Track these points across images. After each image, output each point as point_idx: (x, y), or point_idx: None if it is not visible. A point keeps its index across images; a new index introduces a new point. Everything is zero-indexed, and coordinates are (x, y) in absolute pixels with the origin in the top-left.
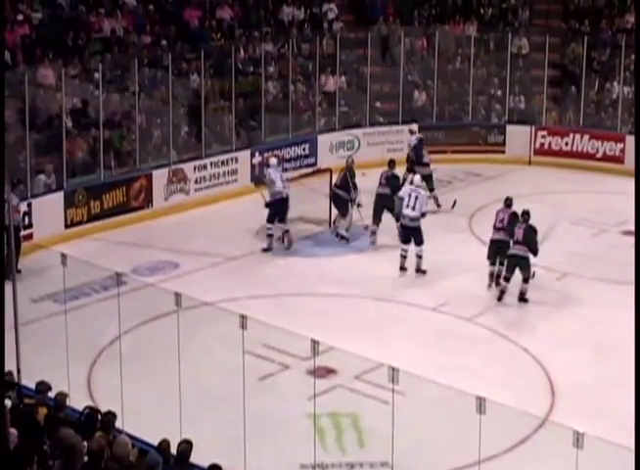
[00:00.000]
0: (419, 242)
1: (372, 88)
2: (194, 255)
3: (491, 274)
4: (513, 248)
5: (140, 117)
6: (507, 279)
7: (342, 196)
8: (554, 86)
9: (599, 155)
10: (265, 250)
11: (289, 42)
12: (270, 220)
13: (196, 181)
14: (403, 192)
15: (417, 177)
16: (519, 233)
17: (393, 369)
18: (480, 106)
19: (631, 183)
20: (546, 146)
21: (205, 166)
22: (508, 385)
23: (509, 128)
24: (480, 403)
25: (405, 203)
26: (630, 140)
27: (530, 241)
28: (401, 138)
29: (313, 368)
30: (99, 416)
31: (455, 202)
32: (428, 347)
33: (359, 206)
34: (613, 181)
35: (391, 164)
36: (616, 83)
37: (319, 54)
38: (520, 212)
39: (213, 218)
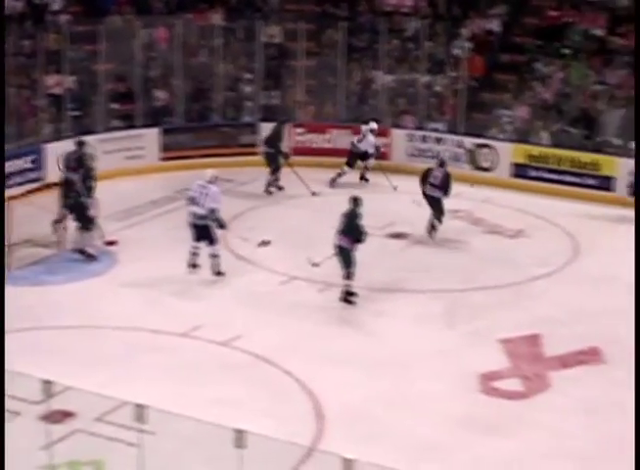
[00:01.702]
0: (212, 241)
1: (106, 88)
2: None
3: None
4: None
5: None
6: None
7: (84, 203)
8: (310, 78)
9: None
10: None
11: (5, 38)
12: None
13: None
14: (193, 190)
15: (210, 172)
16: (342, 222)
17: (139, 406)
18: (229, 103)
19: (398, 180)
20: (305, 144)
21: None
22: (272, 414)
23: (263, 127)
24: (239, 437)
25: (197, 201)
26: (396, 133)
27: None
28: (142, 143)
29: (47, 413)
30: None
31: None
32: (179, 378)
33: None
34: (380, 179)
35: None
36: (377, 72)
37: (42, 51)
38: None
39: None
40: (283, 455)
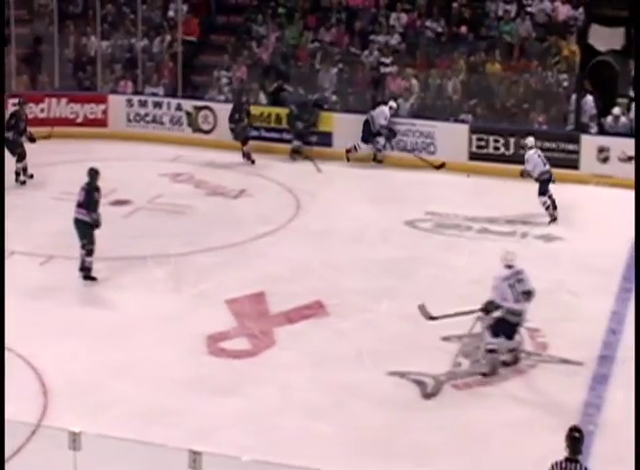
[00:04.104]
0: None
1: None
2: None
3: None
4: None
5: None
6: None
7: None
8: (23, 46)
9: (80, 119)
10: None
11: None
12: None
13: None
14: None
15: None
16: (80, 195)
17: None
18: None
19: (117, 147)
20: None
21: None
22: None
23: None
24: None
25: None
26: (114, 99)
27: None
28: None
29: None
30: None
31: None
32: None
33: None
34: (98, 147)
35: None
36: (93, 38)
37: None
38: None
39: None
40: (7, 436)
